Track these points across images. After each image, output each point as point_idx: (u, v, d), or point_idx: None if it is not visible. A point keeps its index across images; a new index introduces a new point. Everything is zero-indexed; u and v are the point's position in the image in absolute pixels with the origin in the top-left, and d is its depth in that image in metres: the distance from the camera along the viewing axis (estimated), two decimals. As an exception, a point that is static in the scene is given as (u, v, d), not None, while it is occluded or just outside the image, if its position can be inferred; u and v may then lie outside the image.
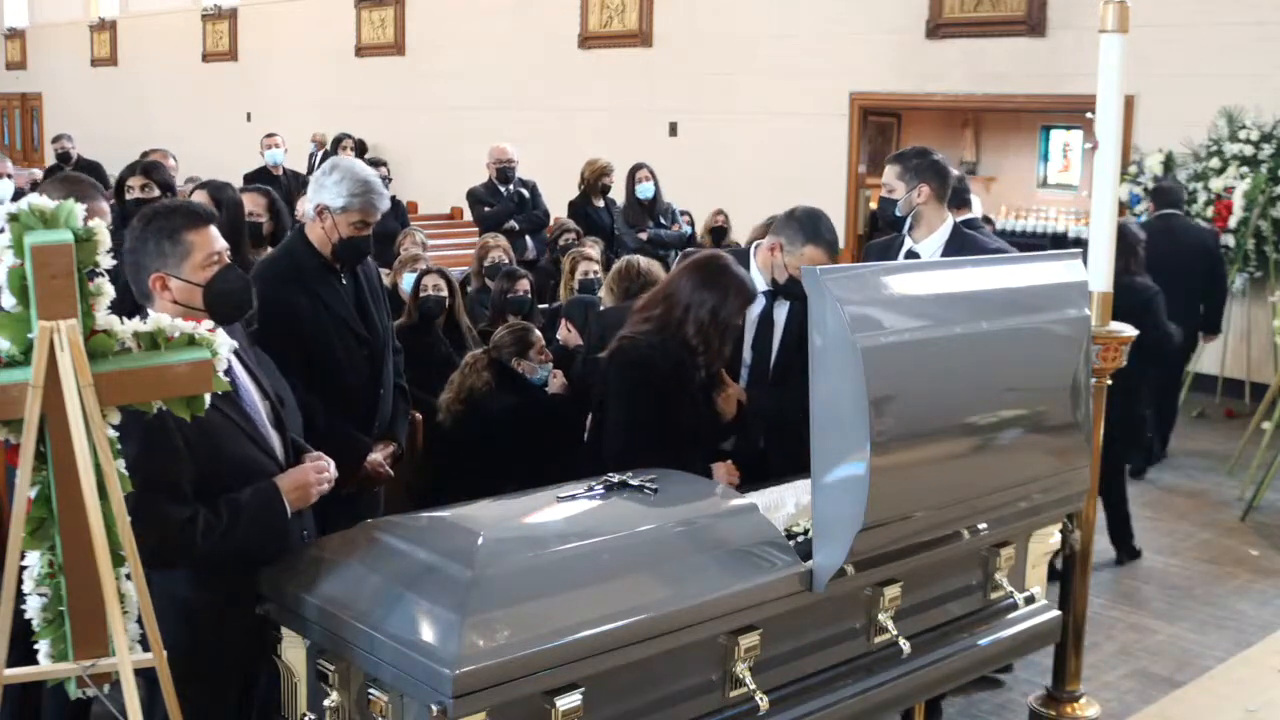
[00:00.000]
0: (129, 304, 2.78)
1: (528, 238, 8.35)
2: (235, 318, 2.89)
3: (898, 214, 4.23)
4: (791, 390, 3.54)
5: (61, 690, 2.58)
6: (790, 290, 3.81)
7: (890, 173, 4.25)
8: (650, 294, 3.67)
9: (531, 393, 4.83)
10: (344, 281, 3.81)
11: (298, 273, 3.72)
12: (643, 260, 5.36)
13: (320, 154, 10.32)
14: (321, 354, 3.70)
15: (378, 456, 3.89)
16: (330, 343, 3.72)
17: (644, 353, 3.44)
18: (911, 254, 4.19)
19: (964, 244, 4.14)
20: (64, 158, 11.98)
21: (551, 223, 8.37)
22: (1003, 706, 4.40)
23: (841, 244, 11.02)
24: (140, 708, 2.35)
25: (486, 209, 8.46)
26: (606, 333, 4.96)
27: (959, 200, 4.92)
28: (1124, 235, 5.77)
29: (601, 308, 5.31)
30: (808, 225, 3.87)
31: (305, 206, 3.79)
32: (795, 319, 3.89)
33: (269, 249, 5.07)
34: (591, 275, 6.01)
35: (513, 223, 8.36)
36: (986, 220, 6.33)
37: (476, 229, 9.17)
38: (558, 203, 8.89)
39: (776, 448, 3.91)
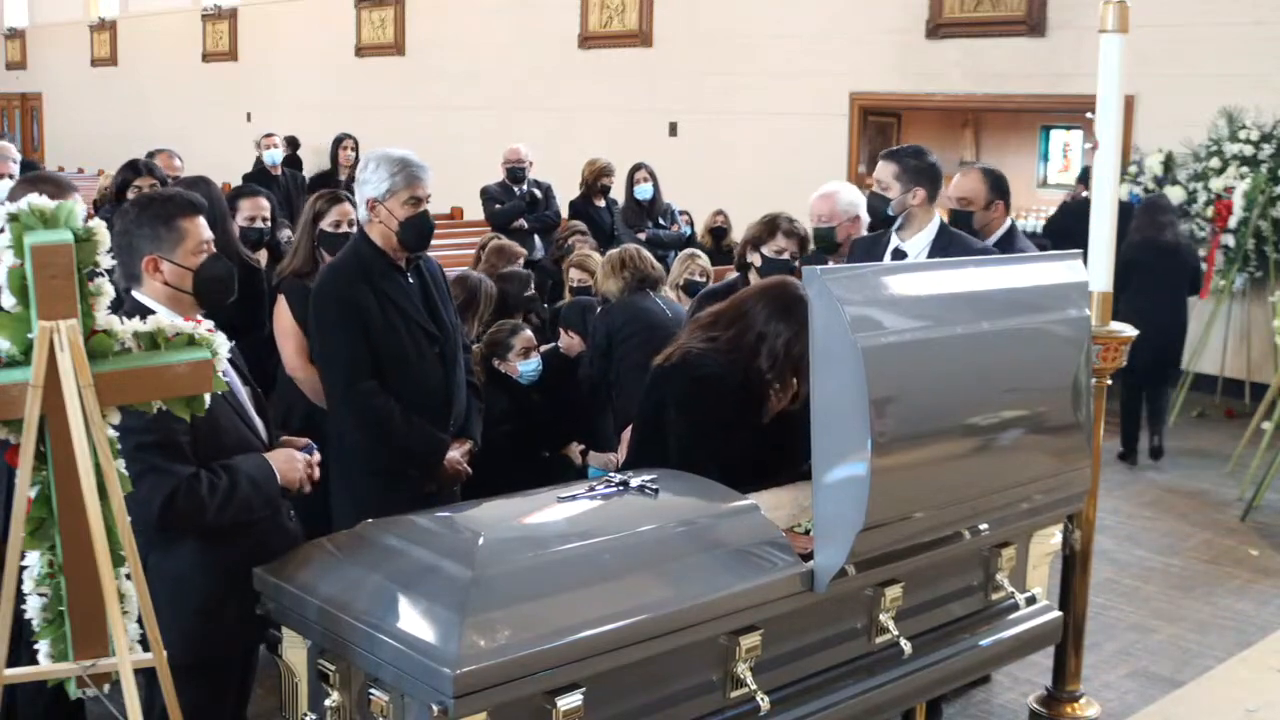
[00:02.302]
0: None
1: (536, 238, 8.36)
2: (220, 303, 3.00)
3: (890, 213, 4.24)
4: None
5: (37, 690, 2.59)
6: None
7: (886, 170, 4.24)
8: (716, 311, 3.52)
9: (524, 393, 4.80)
10: (410, 280, 3.78)
11: (365, 273, 3.68)
12: (637, 249, 5.26)
13: (263, 153, 10.26)
14: (394, 354, 3.67)
15: (455, 454, 3.88)
16: (402, 342, 3.69)
17: (714, 369, 3.35)
18: (899, 252, 4.20)
19: (950, 242, 4.15)
20: None
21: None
22: (1003, 706, 4.39)
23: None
24: (140, 706, 2.36)
25: (498, 206, 8.47)
26: (614, 330, 4.89)
27: (1008, 203, 4.76)
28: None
29: (598, 301, 5.21)
30: None
31: (359, 211, 3.74)
32: None
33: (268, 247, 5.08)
34: (577, 282, 5.95)
35: (522, 221, 8.36)
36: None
37: (477, 228, 9.19)
38: (559, 203, 8.89)
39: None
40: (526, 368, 4.79)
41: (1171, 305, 7.57)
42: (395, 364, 3.68)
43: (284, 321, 4.38)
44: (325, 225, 4.53)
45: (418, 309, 3.76)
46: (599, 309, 5.19)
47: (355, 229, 4.15)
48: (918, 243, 4.17)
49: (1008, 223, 4.72)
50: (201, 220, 2.94)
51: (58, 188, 3.66)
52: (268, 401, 4.44)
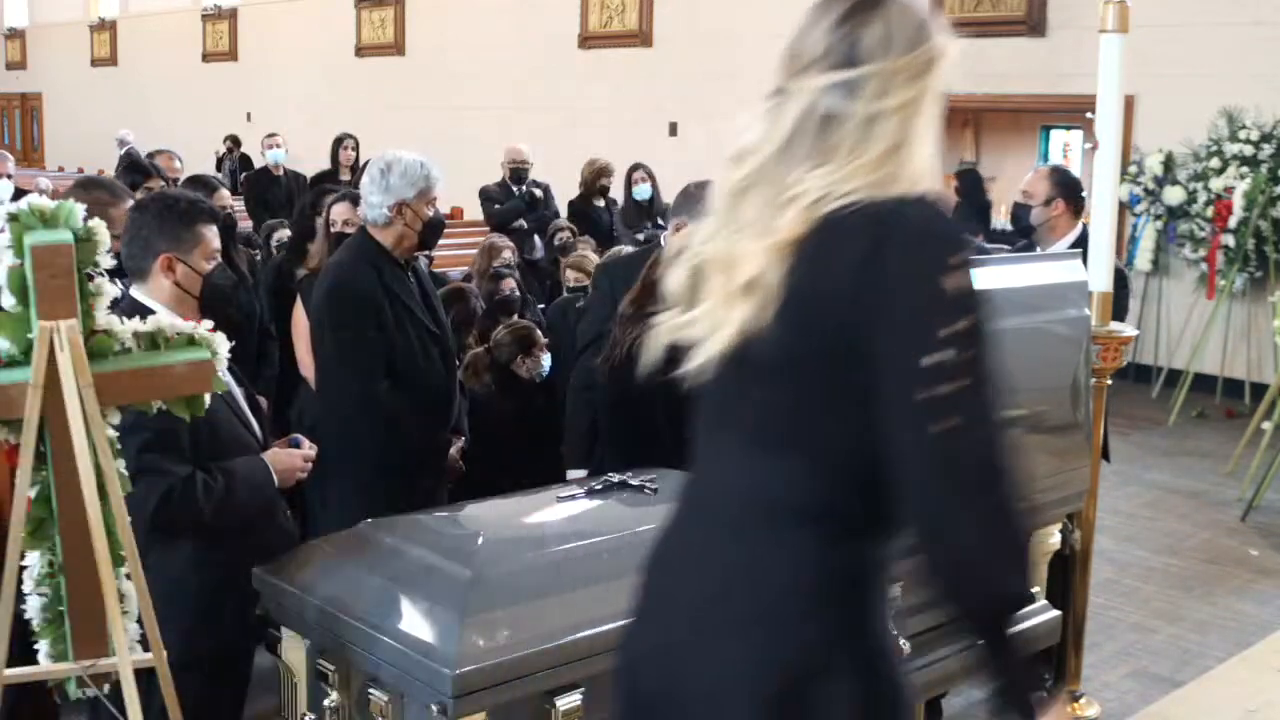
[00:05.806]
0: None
1: (536, 237, 8.34)
2: (220, 313, 3.03)
3: None
4: None
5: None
6: None
7: None
8: (635, 299, 3.54)
9: (532, 396, 4.79)
10: (411, 279, 3.81)
11: (378, 272, 3.70)
12: (625, 249, 5.26)
13: (265, 153, 10.24)
14: (405, 352, 3.69)
15: (452, 451, 3.94)
16: (411, 341, 3.71)
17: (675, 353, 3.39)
18: None
19: None
20: None
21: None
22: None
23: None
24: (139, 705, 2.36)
25: (497, 206, 8.46)
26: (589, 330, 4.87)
27: (1079, 207, 4.49)
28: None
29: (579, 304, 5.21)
30: (702, 195, 3.87)
31: (369, 212, 3.71)
32: None
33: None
34: (574, 282, 5.92)
35: (522, 221, 8.35)
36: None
37: (477, 229, 9.19)
38: (558, 203, 8.89)
39: None
40: (538, 367, 4.80)
41: None
42: (406, 363, 3.69)
43: (299, 321, 4.43)
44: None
45: (421, 308, 3.79)
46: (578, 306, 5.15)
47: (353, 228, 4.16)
48: None
49: (1079, 227, 4.46)
50: (215, 228, 3.02)
51: (113, 195, 3.74)
52: (290, 404, 4.52)
